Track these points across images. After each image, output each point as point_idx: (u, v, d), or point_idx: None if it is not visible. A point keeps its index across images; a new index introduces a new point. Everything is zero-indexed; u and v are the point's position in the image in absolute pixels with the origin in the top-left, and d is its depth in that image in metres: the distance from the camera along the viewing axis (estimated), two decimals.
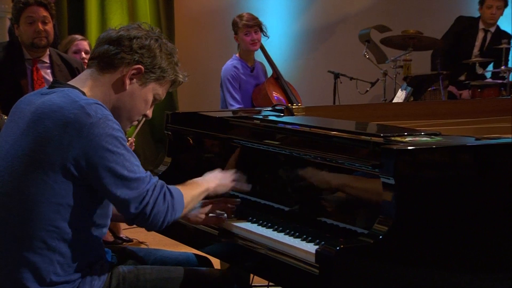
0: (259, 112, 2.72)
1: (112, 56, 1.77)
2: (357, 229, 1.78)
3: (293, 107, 2.57)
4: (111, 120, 1.68)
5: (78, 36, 3.88)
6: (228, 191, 1.99)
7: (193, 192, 1.86)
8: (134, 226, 1.72)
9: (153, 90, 1.82)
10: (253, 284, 2.50)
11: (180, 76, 1.87)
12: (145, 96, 1.81)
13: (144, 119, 1.90)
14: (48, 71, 3.38)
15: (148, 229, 1.74)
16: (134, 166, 1.68)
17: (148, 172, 1.73)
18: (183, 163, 2.50)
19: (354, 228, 1.79)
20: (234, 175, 2.00)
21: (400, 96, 4.42)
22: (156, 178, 1.74)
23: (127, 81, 1.78)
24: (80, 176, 1.66)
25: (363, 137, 1.84)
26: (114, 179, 1.65)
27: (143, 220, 1.69)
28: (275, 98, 4.00)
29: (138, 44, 1.78)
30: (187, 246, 2.20)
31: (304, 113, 2.57)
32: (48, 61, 3.38)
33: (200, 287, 1.91)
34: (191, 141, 2.49)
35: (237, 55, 4.06)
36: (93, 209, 1.74)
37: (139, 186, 1.68)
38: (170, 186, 1.76)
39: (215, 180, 1.94)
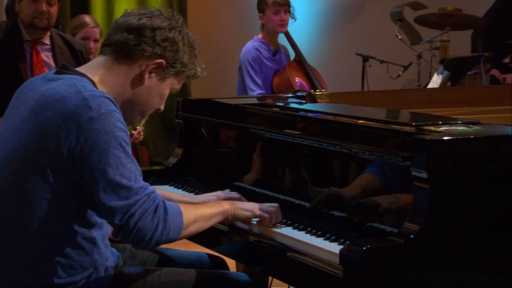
0: (279, 99, 2.73)
1: (132, 46, 1.75)
2: (385, 228, 1.78)
3: (317, 93, 2.57)
4: (115, 117, 1.65)
5: (90, 21, 3.78)
6: (254, 217, 1.89)
7: (200, 211, 1.77)
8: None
9: (171, 85, 1.82)
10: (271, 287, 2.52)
11: (199, 70, 1.86)
12: (162, 91, 1.81)
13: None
14: (49, 53, 3.39)
15: (134, 246, 1.68)
16: (129, 173, 1.64)
17: (146, 184, 1.67)
18: (195, 154, 2.52)
19: (382, 226, 1.79)
20: (271, 204, 1.92)
21: (435, 81, 4.39)
22: (154, 189, 1.69)
23: (146, 76, 1.77)
24: (78, 173, 1.66)
25: (393, 126, 1.84)
26: (104, 183, 1.62)
27: (126, 233, 1.64)
28: (297, 83, 4.00)
29: (161, 36, 1.76)
30: (199, 245, 2.22)
31: (328, 100, 2.57)
32: (49, 43, 3.39)
33: None
34: (203, 130, 2.50)
35: (260, 36, 4.04)
36: (94, 208, 1.74)
37: (130, 196, 1.63)
38: (169, 203, 1.70)
39: (237, 203, 1.88)
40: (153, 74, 1.78)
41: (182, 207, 1.74)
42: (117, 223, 1.64)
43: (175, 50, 1.78)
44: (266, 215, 1.90)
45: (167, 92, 1.83)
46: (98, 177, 1.63)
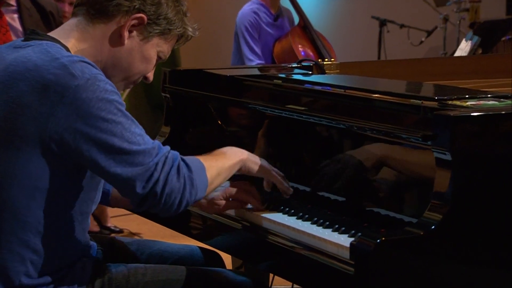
0: (280, 70, 2.73)
1: (105, 2, 1.76)
2: (403, 218, 1.80)
3: (325, 63, 2.58)
4: (102, 80, 1.66)
5: None
6: (264, 174, 1.94)
7: (220, 163, 1.82)
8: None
9: (157, 47, 1.82)
10: (273, 287, 2.54)
11: (190, 29, 1.85)
12: (147, 53, 1.81)
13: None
14: (15, 15, 3.38)
15: (163, 214, 1.72)
16: (136, 136, 1.67)
17: (157, 142, 1.71)
18: (184, 133, 2.53)
19: (399, 216, 1.81)
20: (277, 170, 1.97)
21: (464, 48, 4.39)
22: (167, 147, 1.72)
23: (126, 34, 1.77)
24: (62, 153, 1.66)
25: (412, 101, 1.84)
26: (112, 155, 1.64)
27: (154, 202, 1.67)
28: (302, 52, 4.00)
29: None
30: (191, 238, 2.24)
31: (338, 70, 2.58)
32: (14, 4, 3.38)
33: None
34: (195, 105, 2.51)
35: None
36: (77, 193, 1.75)
37: (144, 160, 1.66)
38: (187, 157, 1.74)
39: (251, 155, 1.91)
40: (134, 33, 1.78)
41: (203, 160, 1.77)
42: (141, 193, 1.66)
43: (157, 3, 1.78)
44: (277, 175, 1.95)
45: (153, 55, 1.83)
46: (103, 151, 1.64)
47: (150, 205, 1.68)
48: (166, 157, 1.69)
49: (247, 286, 1.98)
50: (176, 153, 1.73)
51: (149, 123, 5.52)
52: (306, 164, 2.13)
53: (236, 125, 2.44)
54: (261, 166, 1.93)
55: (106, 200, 2.04)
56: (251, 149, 2.28)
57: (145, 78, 1.86)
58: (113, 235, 4.41)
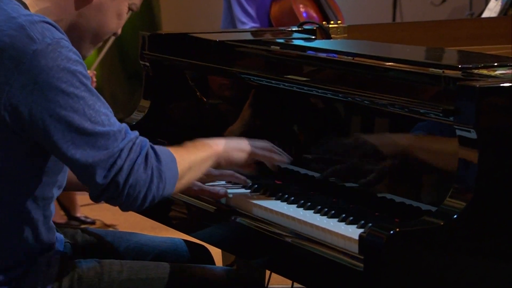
0: (279, 34, 2.73)
1: None
2: (420, 206, 1.81)
3: (330, 26, 2.57)
4: (65, 47, 1.66)
5: None
6: (249, 160, 1.97)
7: (193, 156, 1.84)
8: (102, 202, 1.74)
9: None
10: (269, 286, 2.56)
11: None
12: (117, 8, 1.81)
13: (112, 38, 1.92)
14: None
15: (124, 208, 1.73)
16: (100, 115, 1.67)
17: (124, 125, 1.72)
18: (167, 108, 2.53)
19: (416, 203, 1.82)
20: (262, 142, 2.00)
21: (493, 8, 4.39)
22: (136, 133, 1.73)
23: None
24: (17, 128, 1.67)
25: (432, 69, 1.85)
26: (71, 134, 1.64)
27: (115, 194, 1.68)
28: (303, 13, 4.00)
29: None
30: (175, 231, 2.25)
31: (346, 35, 2.58)
32: None
33: None
34: (178, 75, 2.51)
35: None
36: (38, 176, 1.76)
37: (108, 144, 1.66)
38: (158, 147, 1.75)
39: (230, 142, 1.94)
40: None
41: (173, 151, 1.78)
42: (101, 182, 1.66)
43: None
44: (269, 154, 1.98)
45: (124, 9, 1.84)
46: (61, 129, 1.64)
47: (110, 197, 1.69)
48: (134, 143, 1.70)
49: (240, 285, 2.00)
50: (145, 139, 1.73)
51: (125, 96, 5.51)
52: (308, 145, 2.14)
53: (227, 98, 2.44)
54: (246, 152, 1.95)
55: None
56: (242, 127, 2.28)
57: (114, 34, 1.87)
58: (83, 226, 4.42)
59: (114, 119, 1.70)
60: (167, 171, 1.73)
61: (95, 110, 1.66)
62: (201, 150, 1.88)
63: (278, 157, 2.01)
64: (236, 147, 1.94)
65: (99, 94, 1.71)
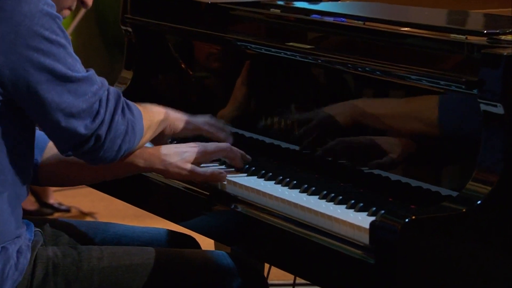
0: None
1: None
2: (439, 190, 1.81)
3: None
4: None
5: None
6: (193, 132, 2.10)
7: (152, 116, 1.99)
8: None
9: None
10: (269, 281, 2.56)
11: None
12: None
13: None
14: None
15: (96, 162, 1.87)
16: (76, 64, 1.81)
17: (92, 70, 1.85)
18: (151, 80, 2.53)
19: (435, 188, 1.82)
20: (204, 117, 2.12)
21: None
22: (103, 79, 1.86)
23: None
24: None
25: (454, 35, 1.84)
26: (55, 84, 1.77)
27: (95, 147, 1.83)
28: None
29: None
30: (160, 218, 2.26)
31: None
32: None
33: (182, 280, 1.97)
34: (165, 43, 2.50)
35: None
36: (9, 151, 1.80)
37: (87, 90, 1.81)
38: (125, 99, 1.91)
39: (175, 113, 2.07)
40: None
41: (138, 107, 1.93)
42: (83, 133, 1.81)
43: None
44: (213, 130, 2.10)
45: None
46: (45, 80, 1.76)
47: (89, 149, 1.83)
48: (108, 92, 1.84)
49: (237, 271, 2.00)
50: (117, 90, 1.87)
51: (104, 65, 5.49)
52: (311, 122, 2.13)
53: (221, 68, 2.44)
54: (189, 124, 2.08)
55: (34, 174, 2.03)
56: (237, 101, 2.28)
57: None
58: (57, 215, 4.42)
59: (83, 68, 1.84)
60: (138, 125, 1.90)
61: (72, 58, 1.80)
62: (156, 113, 2.02)
63: (222, 134, 2.09)
64: (181, 118, 2.08)
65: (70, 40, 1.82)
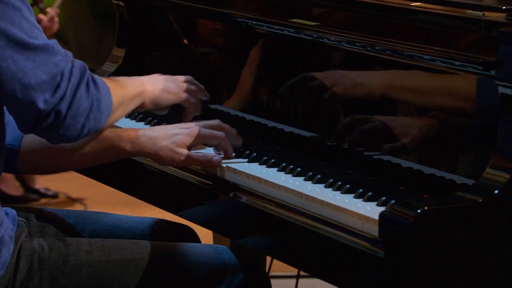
0: None
1: None
2: (453, 178, 1.81)
3: None
4: None
5: None
6: (176, 102, 2.09)
7: (125, 91, 1.98)
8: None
9: None
10: (272, 273, 2.57)
11: None
12: None
13: None
14: None
15: (56, 141, 1.86)
16: (34, 29, 1.80)
17: (54, 40, 1.83)
18: (145, 59, 2.53)
19: (449, 175, 1.82)
20: (191, 81, 2.11)
21: None
22: (69, 52, 1.85)
23: None
24: None
25: (469, 11, 1.83)
26: (11, 50, 1.76)
27: (55, 123, 1.80)
28: None
29: None
30: (156, 207, 2.26)
31: None
32: None
33: (179, 277, 1.97)
34: (159, 18, 2.50)
35: None
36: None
37: (47, 59, 1.79)
38: (93, 74, 1.89)
39: (158, 82, 2.06)
40: None
41: (107, 81, 1.92)
42: (42, 108, 1.78)
43: None
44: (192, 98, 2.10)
45: None
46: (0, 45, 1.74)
47: (48, 126, 1.80)
48: (73, 65, 1.82)
49: (237, 268, 2.00)
50: (83, 62, 1.85)
51: (93, 42, 5.48)
52: (317, 104, 2.13)
53: (220, 47, 2.43)
54: (175, 95, 2.07)
55: (11, 161, 2.04)
56: (237, 82, 2.28)
57: None
58: (43, 201, 4.43)
59: (45, 36, 1.82)
60: (104, 102, 1.87)
61: (30, 23, 1.79)
62: (132, 86, 2.01)
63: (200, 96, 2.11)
64: (164, 88, 2.06)
65: (31, 9, 1.82)
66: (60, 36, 4.61)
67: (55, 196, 4.50)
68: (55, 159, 2.02)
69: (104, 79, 1.92)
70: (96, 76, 1.88)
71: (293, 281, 2.77)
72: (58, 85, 1.79)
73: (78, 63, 1.84)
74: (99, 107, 1.85)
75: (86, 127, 1.83)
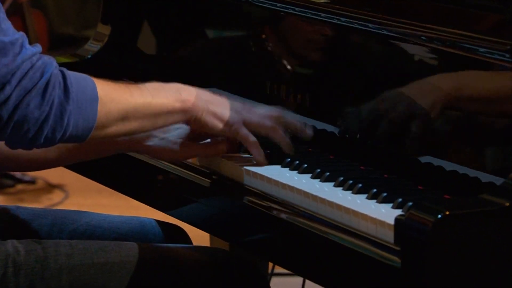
0: None
1: None
2: (478, 176, 1.81)
3: None
4: None
5: None
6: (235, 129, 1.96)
7: (140, 100, 1.86)
8: None
9: None
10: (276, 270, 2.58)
11: None
12: None
13: None
14: None
15: (10, 146, 1.81)
16: (2, 22, 1.76)
17: (20, 34, 1.78)
18: (135, 38, 2.53)
19: (473, 173, 1.82)
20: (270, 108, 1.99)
21: None
22: (37, 48, 1.79)
23: None
24: None
25: None
26: None
27: None
28: None
29: None
30: (146, 205, 2.27)
31: None
32: None
33: (168, 282, 1.97)
34: None
35: None
36: None
37: (7, 53, 1.73)
38: (78, 75, 1.80)
39: (209, 97, 1.94)
40: None
41: (104, 86, 1.82)
42: None
43: None
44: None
45: None
46: None
47: None
48: (32, 65, 1.76)
49: (232, 270, 2.02)
50: (52, 61, 1.79)
51: (76, 17, 5.48)
52: (326, 93, 2.14)
53: (221, 28, 2.44)
54: (222, 120, 1.93)
55: None
56: (240, 66, 2.28)
57: None
58: (19, 187, 4.44)
59: (8, 24, 1.77)
60: (76, 112, 1.78)
61: None
62: (162, 96, 1.89)
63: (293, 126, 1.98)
64: (217, 110, 1.94)
65: None
66: (37, 1, 4.62)
67: (32, 182, 4.50)
68: (36, 154, 2.03)
69: (113, 84, 1.86)
70: (79, 78, 1.81)
71: (299, 279, 2.77)
72: (3, 87, 1.74)
73: (43, 62, 1.79)
74: (61, 118, 1.77)
75: (39, 138, 1.77)
